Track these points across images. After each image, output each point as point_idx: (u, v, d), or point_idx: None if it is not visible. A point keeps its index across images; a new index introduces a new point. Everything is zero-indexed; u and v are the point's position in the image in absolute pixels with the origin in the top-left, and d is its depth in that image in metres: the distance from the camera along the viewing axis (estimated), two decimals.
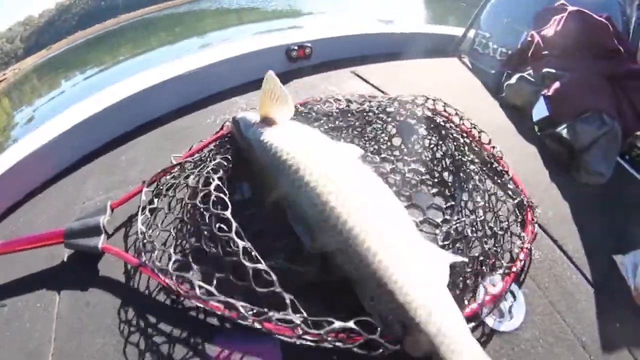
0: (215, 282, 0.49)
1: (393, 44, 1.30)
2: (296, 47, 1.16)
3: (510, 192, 0.66)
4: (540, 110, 0.90)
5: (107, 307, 0.57)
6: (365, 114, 0.80)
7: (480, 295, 0.52)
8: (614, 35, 0.88)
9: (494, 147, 0.73)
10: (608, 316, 0.56)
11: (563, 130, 0.80)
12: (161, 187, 0.66)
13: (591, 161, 0.75)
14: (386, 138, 0.79)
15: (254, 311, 0.46)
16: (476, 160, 0.71)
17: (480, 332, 0.52)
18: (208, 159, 0.70)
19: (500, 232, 0.59)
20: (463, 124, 0.77)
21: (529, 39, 1.07)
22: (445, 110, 0.79)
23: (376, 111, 0.80)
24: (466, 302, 0.51)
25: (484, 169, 0.71)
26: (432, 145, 0.77)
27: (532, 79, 0.97)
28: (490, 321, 0.52)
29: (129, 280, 0.59)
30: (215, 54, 1.09)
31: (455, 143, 0.73)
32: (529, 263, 0.60)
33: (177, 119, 0.97)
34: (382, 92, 1.06)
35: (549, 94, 0.87)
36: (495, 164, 0.71)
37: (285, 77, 1.10)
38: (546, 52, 0.99)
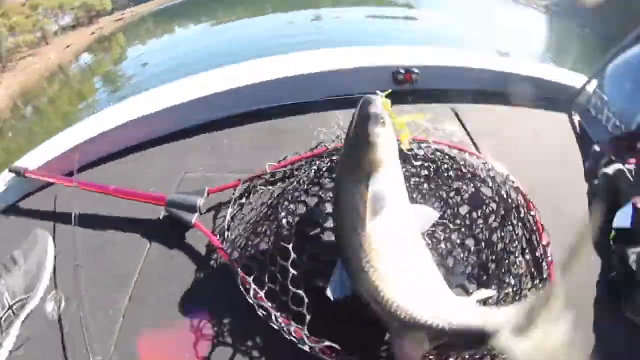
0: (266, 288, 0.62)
1: (501, 82, 1.20)
2: (403, 71, 1.16)
3: None
4: (622, 219, 0.82)
5: (185, 267, 0.75)
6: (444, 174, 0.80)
7: None
8: None
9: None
10: None
11: (633, 254, 0.74)
12: (253, 187, 0.82)
13: None
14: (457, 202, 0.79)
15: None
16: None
17: None
18: (297, 176, 0.80)
19: None
20: (534, 216, 0.74)
21: None
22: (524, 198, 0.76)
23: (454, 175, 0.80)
24: None
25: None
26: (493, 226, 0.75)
27: (631, 177, 0.88)
28: None
29: (209, 255, 0.78)
30: (328, 60, 1.15)
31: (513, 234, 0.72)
32: None
33: (280, 117, 1.09)
34: (474, 143, 1.02)
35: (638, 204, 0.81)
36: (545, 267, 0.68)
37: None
38: None
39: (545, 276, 0.68)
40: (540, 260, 0.70)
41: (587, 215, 0.88)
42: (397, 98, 1.08)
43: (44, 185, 0.95)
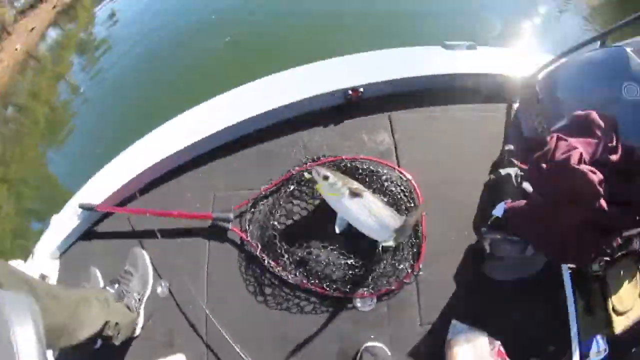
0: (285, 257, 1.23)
1: (438, 82, 1.44)
2: (351, 92, 1.41)
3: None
4: (498, 209, 1.14)
5: (230, 252, 1.27)
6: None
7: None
8: (599, 194, 0.83)
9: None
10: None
11: (488, 237, 1.11)
12: (257, 201, 1.31)
13: (490, 267, 1.12)
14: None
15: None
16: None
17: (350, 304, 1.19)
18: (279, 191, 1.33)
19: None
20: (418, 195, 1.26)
21: (550, 136, 0.99)
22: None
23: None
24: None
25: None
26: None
27: (514, 182, 1.17)
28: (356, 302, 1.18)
29: (242, 244, 1.28)
30: (294, 84, 1.44)
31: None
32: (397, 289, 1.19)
33: (265, 140, 1.41)
34: (396, 148, 1.37)
35: (507, 207, 1.13)
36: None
37: (341, 119, 1.46)
38: (544, 164, 1.01)
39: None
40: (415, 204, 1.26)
41: (467, 199, 1.27)
42: (346, 112, 1.46)
43: (108, 214, 1.33)
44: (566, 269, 1.16)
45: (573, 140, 1.01)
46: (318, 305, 1.18)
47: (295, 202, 1.30)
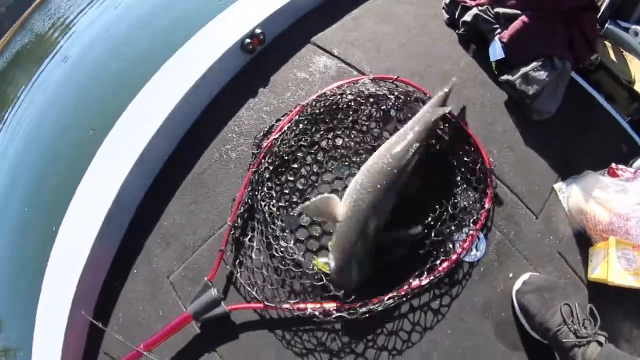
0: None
1: None
2: (249, 40, 1.02)
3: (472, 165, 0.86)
4: (495, 52, 1.00)
5: (261, 343, 0.77)
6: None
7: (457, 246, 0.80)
8: None
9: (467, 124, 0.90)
10: (545, 237, 0.86)
11: (517, 80, 0.94)
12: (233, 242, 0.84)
13: (543, 103, 0.94)
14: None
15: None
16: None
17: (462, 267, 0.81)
18: None
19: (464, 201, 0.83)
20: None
21: None
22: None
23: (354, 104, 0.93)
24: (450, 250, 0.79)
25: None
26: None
27: (488, 17, 1.02)
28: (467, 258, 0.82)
29: (262, 316, 0.79)
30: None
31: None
32: (489, 213, 0.85)
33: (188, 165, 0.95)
34: (350, 65, 1.05)
35: (504, 40, 0.97)
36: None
37: (248, 76, 1.05)
38: None
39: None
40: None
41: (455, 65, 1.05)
42: (258, 66, 1.05)
43: None
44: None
45: None
46: (427, 298, 0.80)
47: (295, 210, 0.87)
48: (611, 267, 0.77)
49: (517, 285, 0.80)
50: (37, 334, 0.78)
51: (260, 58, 1.08)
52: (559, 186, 0.90)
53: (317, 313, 0.74)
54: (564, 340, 0.70)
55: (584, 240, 0.87)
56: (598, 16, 1.05)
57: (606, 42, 1.15)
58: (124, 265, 0.86)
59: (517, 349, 0.78)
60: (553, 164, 0.93)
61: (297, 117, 0.91)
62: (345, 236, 0.74)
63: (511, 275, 0.82)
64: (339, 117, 0.93)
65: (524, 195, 0.89)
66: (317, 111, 0.93)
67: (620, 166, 0.87)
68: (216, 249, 0.82)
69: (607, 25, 1.12)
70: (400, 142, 0.80)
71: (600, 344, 0.68)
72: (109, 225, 0.84)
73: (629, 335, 0.79)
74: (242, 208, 0.85)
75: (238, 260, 0.82)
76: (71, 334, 0.77)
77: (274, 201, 0.85)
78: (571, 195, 0.88)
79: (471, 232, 0.81)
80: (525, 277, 0.80)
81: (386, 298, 0.74)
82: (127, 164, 0.87)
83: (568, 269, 0.84)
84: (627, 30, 1.11)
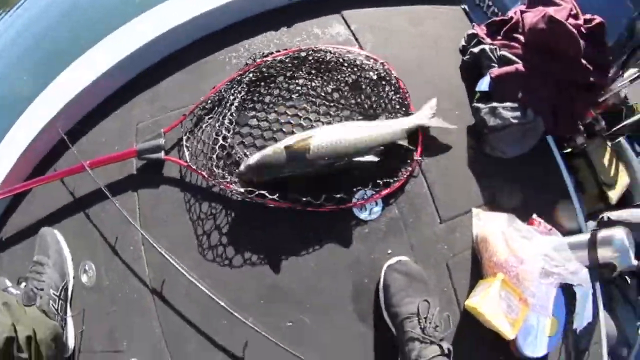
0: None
1: None
2: None
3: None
4: (482, 84, 1.05)
5: (172, 196, 0.94)
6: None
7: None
8: (583, 49, 0.94)
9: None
10: (440, 243, 0.88)
11: (485, 109, 0.98)
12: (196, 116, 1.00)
13: (499, 141, 0.97)
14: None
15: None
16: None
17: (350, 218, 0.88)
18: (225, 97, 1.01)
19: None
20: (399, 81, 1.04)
21: (513, 14, 1.10)
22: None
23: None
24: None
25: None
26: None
27: (491, 55, 1.10)
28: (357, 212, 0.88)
29: (183, 177, 0.96)
30: None
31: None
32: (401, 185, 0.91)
33: (194, 53, 1.12)
34: (356, 39, 1.16)
35: (494, 75, 1.03)
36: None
37: (277, 14, 1.20)
38: (517, 35, 1.06)
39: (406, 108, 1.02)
40: (405, 101, 1.02)
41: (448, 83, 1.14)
42: (289, 14, 1.18)
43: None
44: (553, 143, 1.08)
45: (540, 7, 1.07)
46: (310, 229, 0.87)
47: (250, 112, 1.01)
48: (489, 299, 0.76)
49: (392, 260, 0.81)
50: (10, 133, 1.03)
51: (296, 4, 1.22)
52: (477, 211, 0.91)
53: (222, 187, 0.89)
54: (408, 330, 0.70)
55: (476, 271, 0.86)
56: (598, 100, 1.08)
57: (608, 145, 1.16)
58: (109, 106, 1.07)
59: (363, 319, 0.78)
60: (485, 194, 0.94)
61: (292, 54, 1.05)
62: (273, 150, 0.84)
63: (389, 251, 0.84)
64: (325, 67, 1.06)
65: (439, 198, 0.91)
66: (310, 58, 1.06)
67: (541, 220, 0.88)
68: None
69: (621, 139, 1.16)
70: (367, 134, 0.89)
71: (441, 349, 0.67)
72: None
73: None
74: (217, 95, 1.00)
75: (191, 130, 0.99)
76: (39, 141, 1.01)
77: (240, 99, 0.99)
78: (485, 224, 0.89)
79: (374, 195, 0.86)
80: (403, 257, 0.81)
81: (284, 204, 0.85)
82: None
83: (448, 283, 0.84)
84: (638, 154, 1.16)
